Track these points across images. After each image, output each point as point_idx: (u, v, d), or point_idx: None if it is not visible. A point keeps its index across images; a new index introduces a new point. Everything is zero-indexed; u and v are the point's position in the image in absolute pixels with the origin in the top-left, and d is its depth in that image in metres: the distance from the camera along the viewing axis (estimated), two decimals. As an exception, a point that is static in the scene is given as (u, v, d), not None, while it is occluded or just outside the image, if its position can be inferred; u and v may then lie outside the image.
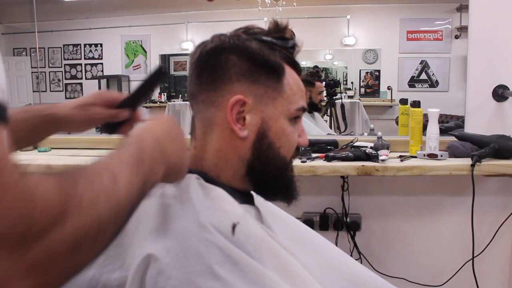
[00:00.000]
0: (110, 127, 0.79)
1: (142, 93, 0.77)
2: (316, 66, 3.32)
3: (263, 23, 0.78)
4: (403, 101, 2.09)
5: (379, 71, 3.40)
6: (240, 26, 0.75)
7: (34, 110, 0.78)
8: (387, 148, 1.64)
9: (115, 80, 3.97)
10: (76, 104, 0.78)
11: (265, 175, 0.72)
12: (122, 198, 0.44)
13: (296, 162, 1.50)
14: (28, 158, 1.69)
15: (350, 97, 3.32)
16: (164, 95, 3.92)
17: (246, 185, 0.73)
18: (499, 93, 1.69)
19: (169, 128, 0.60)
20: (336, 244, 1.74)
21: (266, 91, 0.70)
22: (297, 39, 0.74)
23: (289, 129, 0.72)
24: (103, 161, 0.47)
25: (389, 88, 3.24)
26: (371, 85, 3.43)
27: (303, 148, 1.56)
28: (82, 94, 4.09)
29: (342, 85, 3.37)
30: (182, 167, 0.61)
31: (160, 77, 0.76)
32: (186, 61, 3.91)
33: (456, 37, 3.09)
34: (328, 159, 1.55)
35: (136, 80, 3.94)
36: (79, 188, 0.40)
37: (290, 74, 0.72)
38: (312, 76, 2.58)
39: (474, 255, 1.59)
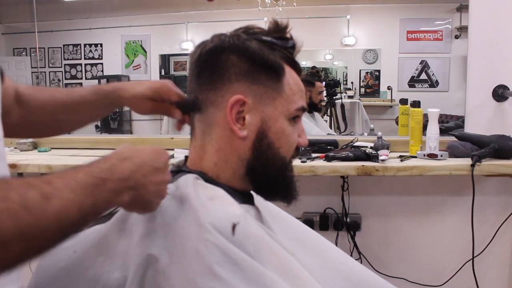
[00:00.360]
0: None
1: (188, 105, 0.76)
2: (314, 67, 3.31)
3: (263, 23, 0.78)
4: (403, 101, 2.08)
5: (379, 71, 3.40)
6: (240, 26, 0.75)
7: (103, 92, 0.83)
8: (387, 148, 1.64)
9: (115, 80, 3.97)
10: (139, 94, 0.80)
11: (264, 175, 0.72)
12: (50, 216, 0.42)
13: (296, 162, 1.50)
14: (28, 158, 1.69)
15: (350, 97, 3.31)
16: (164, 95, 3.91)
17: (246, 185, 0.73)
18: (499, 93, 1.69)
19: (158, 159, 0.59)
20: (336, 244, 1.74)
21: (265, 91, 0.69)
22: (297, 39, 0.74)
23: (288, 129, 0.72)
24: (52, 175, 0.46)
25: (389, 88, 3.23)
26: (371, 85, 3.43)
27: (303, 148, 1.56)
28: (82, 94, 4.09)
29: (342, 85, 3.36)
30: (155, 200, 0.59)
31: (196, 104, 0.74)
32: (186, 61, 3.90)
33: (456, 37, 3.09)
34: (328, 159, 1.55)
35: (136, 80, 3.93)
36: None
37: (290, 74, 0.72)
38: (312, 76, 2.58)
39: (474, 255, 1.59)
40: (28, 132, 0.88)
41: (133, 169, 0.54)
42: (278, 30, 0.73)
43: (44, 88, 0.85)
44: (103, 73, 4.09)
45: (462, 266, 1.71)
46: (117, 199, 0.52)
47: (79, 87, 0.87)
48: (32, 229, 0.41)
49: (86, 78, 4.10)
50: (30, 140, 1.94)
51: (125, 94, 0.81)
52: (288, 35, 0.73)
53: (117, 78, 3.96)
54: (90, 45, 4.04)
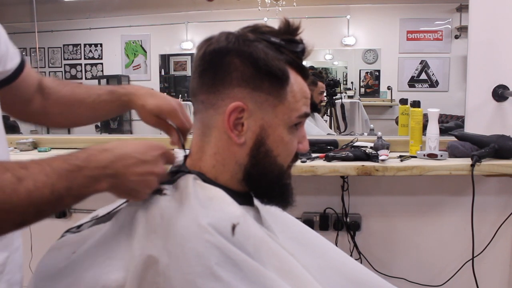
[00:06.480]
0: None
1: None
2: (312, 67, 3.31)
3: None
4: (403, 101, 2.08)
5: (379, 71, 3.39)
6: (240, 25, 0.73)
7: (117, 94, 0.89)
8: (387, 148, 1.64)
9: (115, 80, 3.96)
10: (146, 108, 0.84)
11: (261, 182, 0.71)
12: (21, 194, 0.50)
13: (296, 162, 1.49)
14: (28, 158, 1.69)
15: (350, 97, 3.31)
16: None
17: (244, 188, 0.73)
18: (499, 93, 1.70)
19: (146, 153, 0.63)
20: (336, 244, 1.74)
21: (267, 98, 0.68)
22: (307, 43, 0.71)
23: (287, 138, 0.70)
24: (30, 161, 0.53)
25: (389, 88, 3.23)
26: (371, 85, 3.43)
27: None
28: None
29: (342, 85, 3.36)
30: (142, 190, 0.64)
31: None
32: (186, 61, 3.91)
33: (456, 37, 3.09)
34: (328, 159, 1.55)
35: (136, 80, 3.93)
36: None
37: (295, 80, 0.70)
38: (314, 76, 2.58)
39: (474, 255, 1.59)
40: (46, 120, 0.96)
41: (112, 159, 0.59)
42: (289, 32, 0.70)
43: (66, 83, 0.93)
44: (103, 73, 4.08)
45: (462, 266, 1.71)
46: (96, 185, 0.57)
47: (98, 86, 0.97)
48: (2, 204, 0.49)
49: (86, 78, 4.10)
50: (30, 140, 1.95)
51: (136, 101, 0.86)
52: (298, 38, 0.70)
53: (117, 78, 3.96)
54: (90, 45, 4.04)
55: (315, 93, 2.44)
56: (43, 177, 0.52)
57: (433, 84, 3.16)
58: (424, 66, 3.18)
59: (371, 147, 1.63)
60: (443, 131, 1.68)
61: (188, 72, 3.85)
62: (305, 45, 0.71)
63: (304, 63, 0.73)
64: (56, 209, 0.55)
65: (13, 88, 0.81)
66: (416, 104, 1.68)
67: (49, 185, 0.52)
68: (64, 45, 4.07)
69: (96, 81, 4.02)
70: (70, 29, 4.04)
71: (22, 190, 0.50)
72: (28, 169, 0.52)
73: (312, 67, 3.28)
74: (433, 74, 3.17)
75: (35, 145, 1.97)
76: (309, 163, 1.52)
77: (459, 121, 2.06)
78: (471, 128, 1.73)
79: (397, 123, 2.04)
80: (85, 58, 4.08)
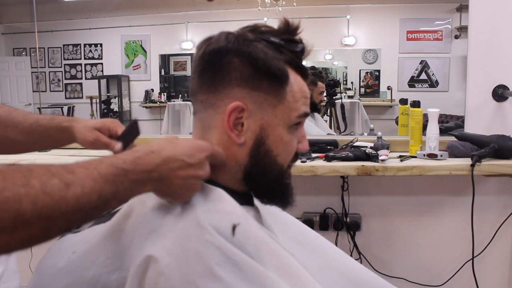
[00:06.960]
0: None
1: (129, 135, 0.85)
2: (313, 67, 3.31)
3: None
4: (403, 101, 2.09)
5: (379, 71, 3.40)
6: (240, 25, 0.73)
7: (59, 119, 0.89)
8: (387, 148, 1.64)
9: (115, 80, 3.97)
10: (89, 125, 0.87)
11: (261, 182, 0.71)
12: (70, 200, 0.48)
13: (296, 162, 1.49)
14: (28, 158, 1.69)
15: (350, 97, 3.32)
16: (164, 95, 3.91)
17: (244, 188, 0.73)
18: (499, 93, 1.70)
19: (193, 155, 0.61)
20: (336, 244, 1.74)
21: (266, 98, 0.68)
22: (307, 42, 0.71)
23: (287, 138, 0.70)
24: (76, 165, 0.51)
25: (389, 88, 3.24)
26: (371, 85, 3.43)
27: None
28: (82, 94, 4.09)
29: (342, 85, 3.36)
30: (184, 193, 0.62)
31: (136, 128, 0.85)
32: (186, 61, 3.91)
33: (456, 37, 3.09)
34: (328, 159, 1.55)
35: (136, 80, 3.94)
36: (6, 184, 0.44)
37: (295, 80, 0.70)
38: (314, 76, 2.58)
39: (474, 255, 1.59)
40: None
41: (159, 163, 0.57)
42: (288, 32, 0.70)
43: (3, 105, 0.91)
44: (103, 73, 4.09)
45: (462, 266, 1.71)
46: (140, 189, 0.57)
47: (38, 114, 0.96)
48: (51, 211, 0.46)
49: (86, 78, 4.10)
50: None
51: (77, 125, 0.88)
52: (298, 38, 0.70)
53: (117, 78, 3.96)
54: (90, 45, 4.05)
55: (315, 93, 2.44)
56: (91, 182, 0.50)
57: (433, 84, 3.17)
58: (424, 66, 3.18)
59: (371, 147, 1.63)
60: (443, 131, 1.68)
61: (188, 72, 3.86)
62: (304, 45, 0.71)
63: (304, 63, 0.73)
64: (101, 213, 0.54)
65: None
66: (416, 104, 1.68)
67: (96, 190, 0.51)
68: (64, 45, 4.08)
69: (96, 81, 4.02)
70: (70, 29, 4.04)
71: (71, 196, 0.48)
72: (75, 173, 0.50)
73: (313, 67, 3.29)
74: (433, 74, 3.17)
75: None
76: (309, 163, 1.52)
77: (459, 121, 2.06)
78: (471, 128, 1.73)
79: (397, 123, 2.04)
80: (85, 58, 4.08)
